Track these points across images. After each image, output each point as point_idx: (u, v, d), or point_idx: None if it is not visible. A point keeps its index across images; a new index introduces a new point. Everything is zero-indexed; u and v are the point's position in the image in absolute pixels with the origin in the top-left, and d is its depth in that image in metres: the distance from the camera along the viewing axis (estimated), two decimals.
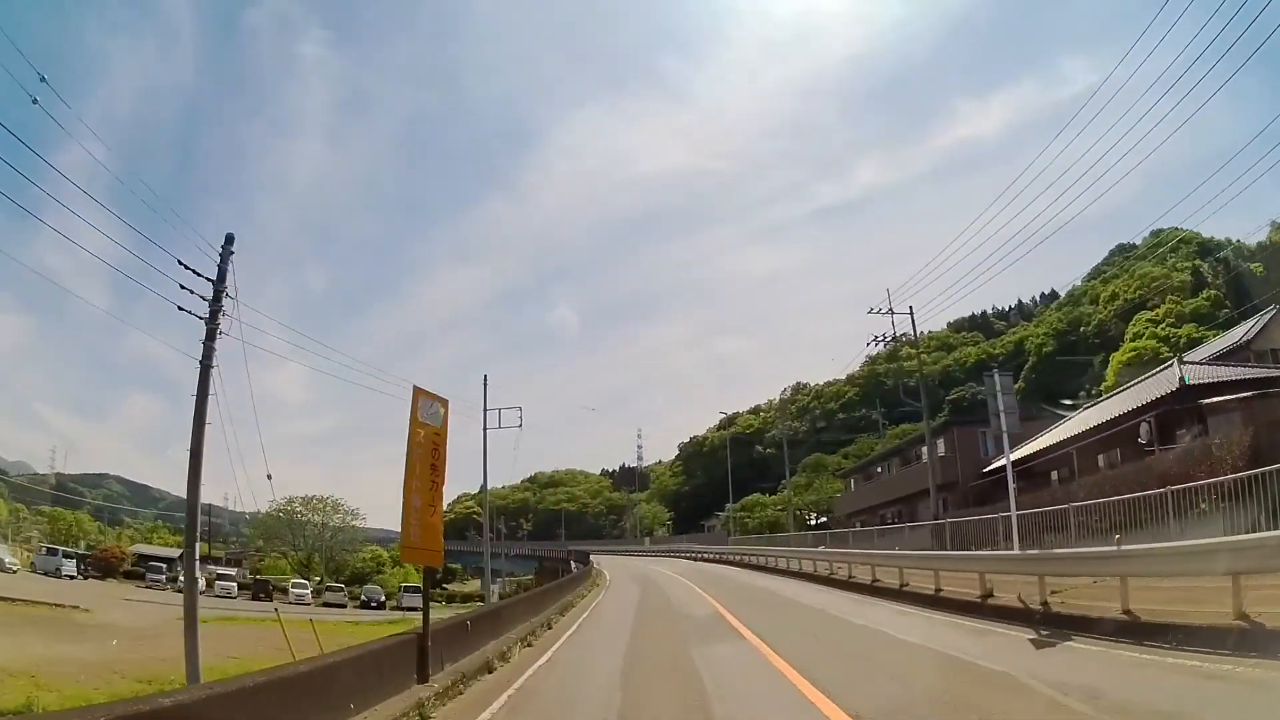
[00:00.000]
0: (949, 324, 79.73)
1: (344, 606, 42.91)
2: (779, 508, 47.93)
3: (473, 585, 58.96)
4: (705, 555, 39.51)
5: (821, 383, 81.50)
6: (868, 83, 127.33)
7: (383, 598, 46.28)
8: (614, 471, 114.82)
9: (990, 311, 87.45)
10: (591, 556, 38.90)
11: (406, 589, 42.30)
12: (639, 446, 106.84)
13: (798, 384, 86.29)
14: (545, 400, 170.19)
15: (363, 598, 46.50)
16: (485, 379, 29.92)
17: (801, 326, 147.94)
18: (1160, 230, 53.18)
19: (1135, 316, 50.52)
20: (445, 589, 56.08)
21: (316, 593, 45.64)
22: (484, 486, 37.96)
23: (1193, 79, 20.90)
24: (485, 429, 27.54)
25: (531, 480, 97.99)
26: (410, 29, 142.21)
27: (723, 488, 61.32)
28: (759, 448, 68.51)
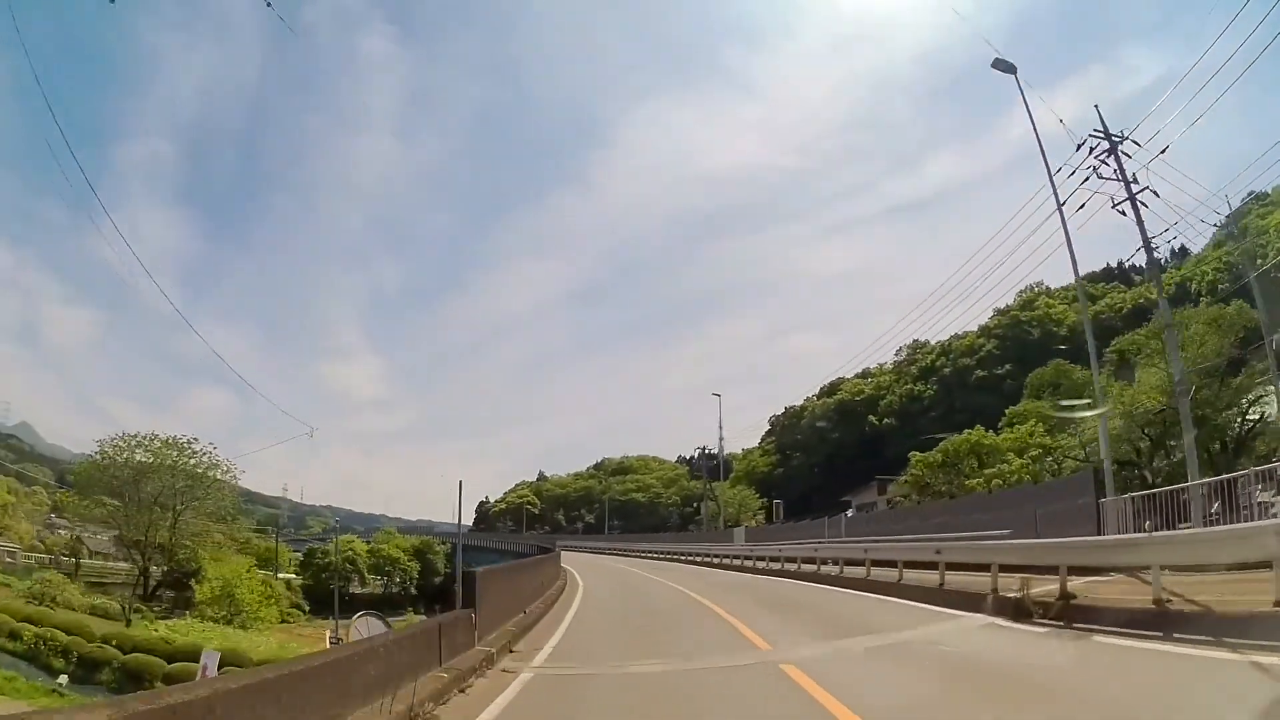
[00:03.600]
0: (1088, 275, 70.51)
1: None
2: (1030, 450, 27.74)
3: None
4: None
5: (947, 337, 67.95)
6: (937, 78, 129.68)
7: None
8: (691, 458, 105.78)
9: (1117, 265, 74.73)
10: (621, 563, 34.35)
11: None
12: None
13: (915, 342, 73.02)
14: (618, 395, 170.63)
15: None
16: (460, 483, 25.38)
17: (877, 323, 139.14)
18: None
19: None
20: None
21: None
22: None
23: None
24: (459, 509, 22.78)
25: (597, 467, 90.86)
26: (474, 23, 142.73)
27: (827, 470, 50.68)
28: (871, 419, 56.54)
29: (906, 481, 32.96)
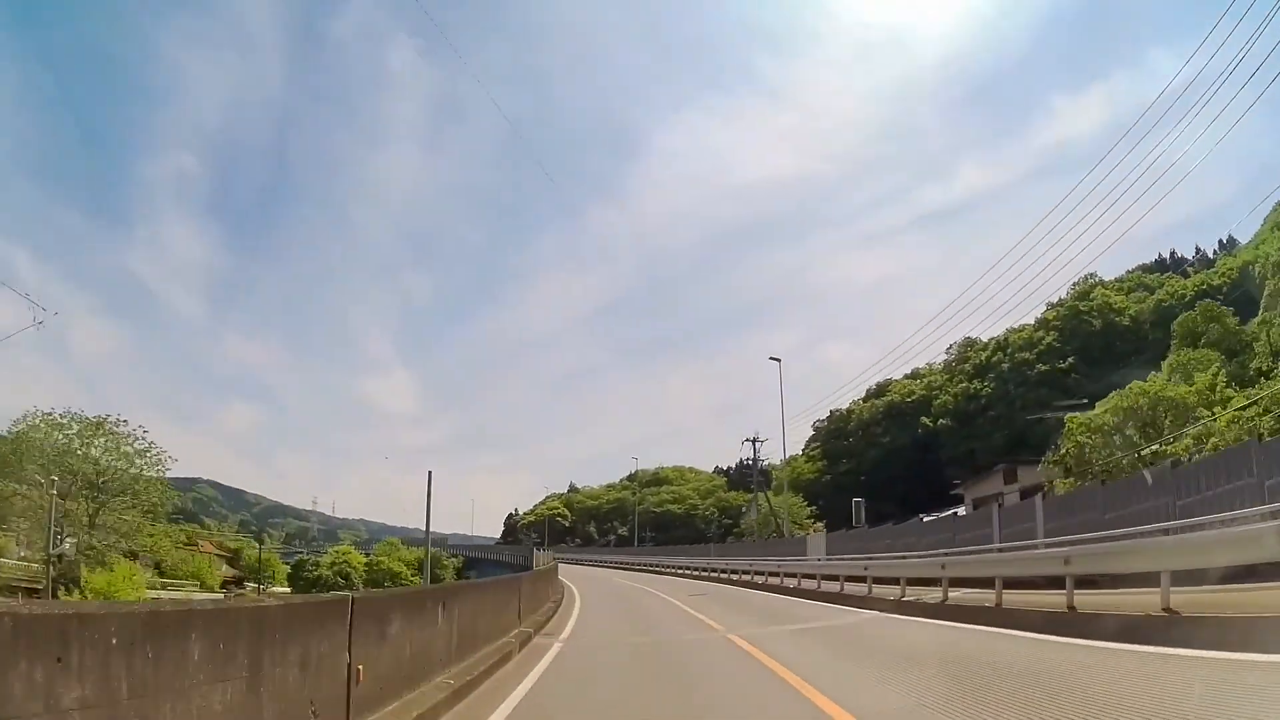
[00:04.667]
0: (1139, 266, 69.39)
1: None
2: None
3: None
4: None
5: (1003, 332, 64.73)
6: (965, 84, 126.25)
7: None
8: (728, 469, 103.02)
9: (1170, 255, 74.77)
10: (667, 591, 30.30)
11: None
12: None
13: (966, 339, 69.70)
14: (652, 409, 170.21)
15: None
16: (430, 474, 23.98)
17: (911, 332, 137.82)
18: None
19: None
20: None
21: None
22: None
23: None
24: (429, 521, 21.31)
25: (631, 478, 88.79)
26: (500, 35, 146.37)
27: (878, 475, 47.94)
28: (925, 420, 53.49)
29: (1057, 461, 25.93)
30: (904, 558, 14.78)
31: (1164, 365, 30.41)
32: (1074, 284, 61.38)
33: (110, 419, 34.82)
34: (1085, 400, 45.54)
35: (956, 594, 11.50)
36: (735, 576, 26.82)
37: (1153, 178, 38.11)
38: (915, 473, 49.26)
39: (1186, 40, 79.83)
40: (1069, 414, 25.76)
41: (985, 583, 10.55)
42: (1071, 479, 23.34)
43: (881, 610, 12.32)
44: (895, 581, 13.48)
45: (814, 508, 46.97)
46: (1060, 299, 60.04)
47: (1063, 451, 24.79)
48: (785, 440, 42.04)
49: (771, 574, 21.89)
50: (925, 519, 27.33)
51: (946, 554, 13.24)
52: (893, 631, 9.89)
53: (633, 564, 50.45)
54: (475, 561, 66.62)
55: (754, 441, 46.86)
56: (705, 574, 31.33)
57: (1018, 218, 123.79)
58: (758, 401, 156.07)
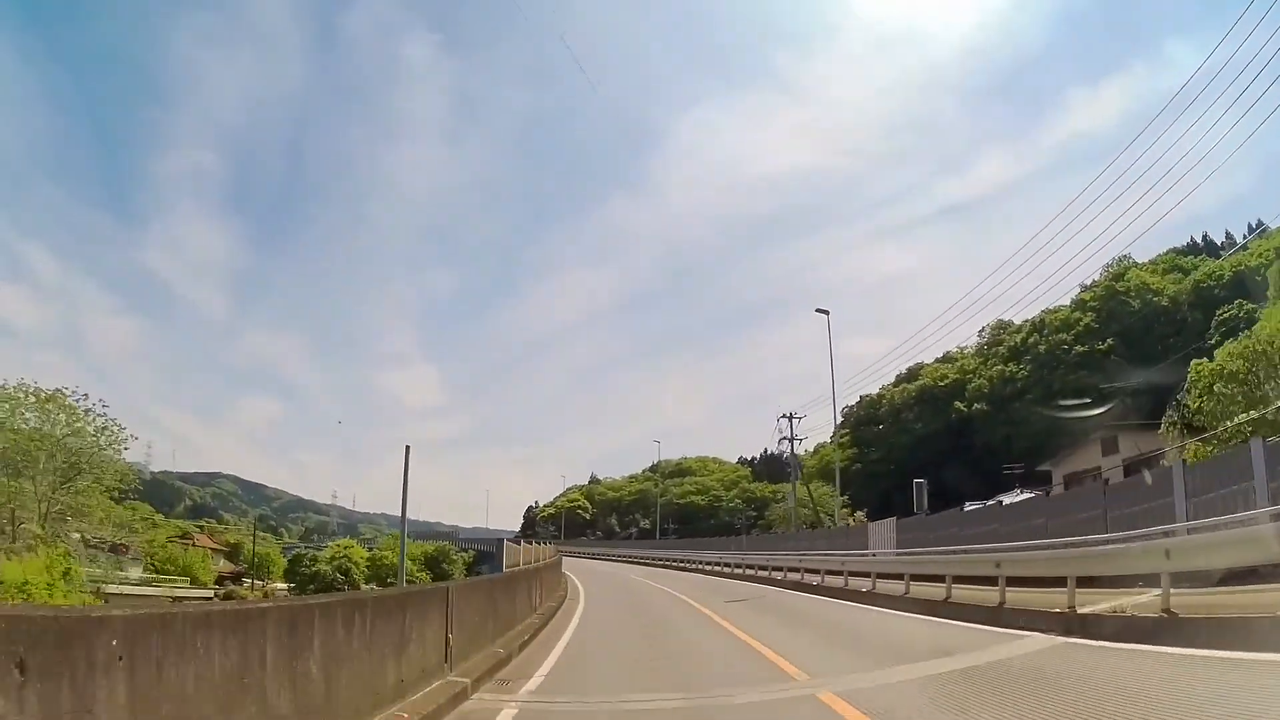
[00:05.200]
0: (1170, 250, 67.17)
1: None
2: None
3: None
4: None
5: (1038, 313, 62.99)
6: (983, 76, 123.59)
7: None
8: (753, 459, 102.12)
9: (1202, 238, 71.03)
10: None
11: None
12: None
13: (999, 321, 67.92)
14: (673, 402, 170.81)
15: None
16: (407, 449, 22.15)
17: (933, 325, 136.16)
18: None
19: None
20: None
21: None
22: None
23: None
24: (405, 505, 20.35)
25: (654, 469, 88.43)
26: (518, 30, 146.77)
27: (909, 463, 46.80)
28: (959, 405, 52.08)
29: (1175, 424, 22.28)
30: (1038, 547, 10.70)
31: (1264, 314, 27.32)
32: (1107, 266, 59.88)
33: (67, 391, 31.57)
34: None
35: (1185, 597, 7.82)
36: (777, 574, 23.22)
37: (1188, 162, 36.32)
38: (950, 459, 47.87)
39: (1203, 30, 77.71)
40: (1075, 414, 24.43)
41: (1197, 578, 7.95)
42: (1200, 442, 18.80)
43: (1050, 630, 8.12)
44: (1026, 582, 10.24)
45: (846, 498, 45.76)
46: (1093, 281, 58.44)
47: (1194, 406, 20.60)
48: (836, 403, 40.79)
49: (831, 571, 18.28)
50: (1008, 500, 23.13)
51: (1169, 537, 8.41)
52: (1157, 682, 5.42)
53: (655, 559, 48.45)
54: (486, 556, 66.48)
55: (789, 418, 44.43)
56: (737, 571, 28.40)
57: (1037, 211, 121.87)
58: (779, 394, 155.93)
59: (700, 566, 35.73)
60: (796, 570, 21.92)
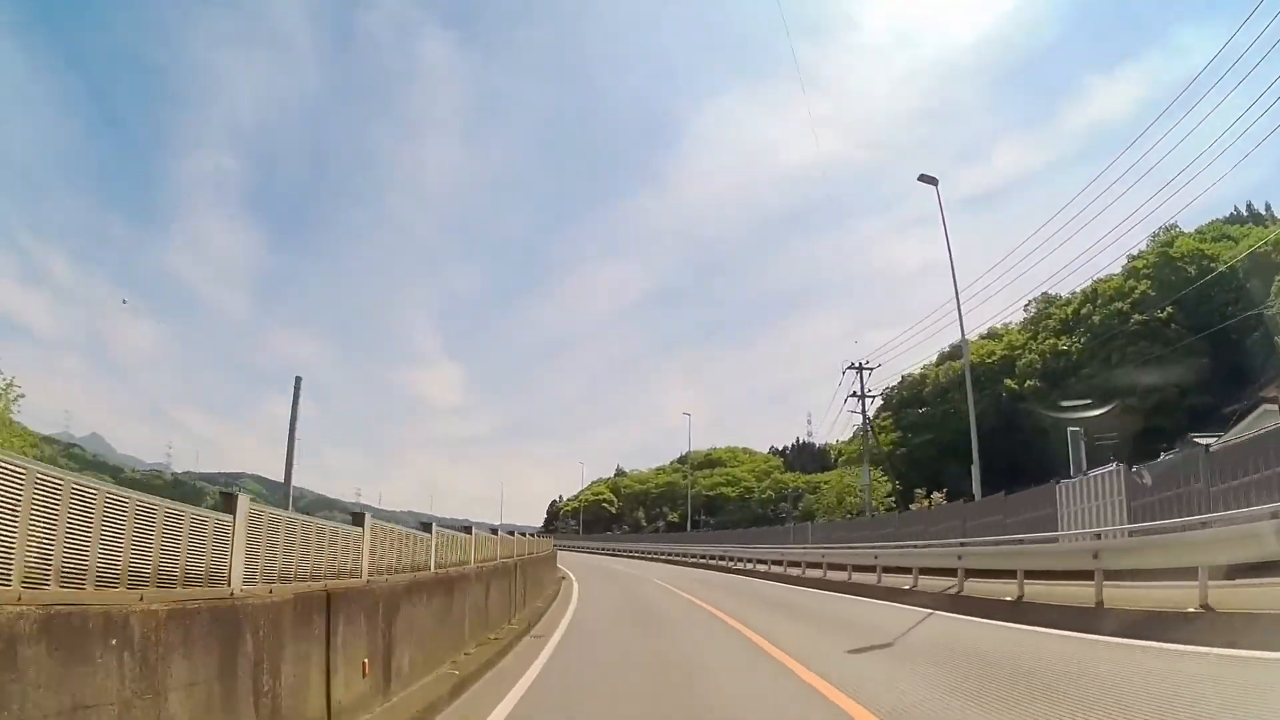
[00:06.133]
0: (1216, 220, 65.54)
1: None
2: None
3: None
4: None
5: (1089, 283, 60.77)
6: (999, 64, 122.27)
7: None
8: (784, 449, 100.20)
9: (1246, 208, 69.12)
10: None
11: None
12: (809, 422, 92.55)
13: (1045, 295, 65.59)
14: (699, 397, 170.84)
15: None
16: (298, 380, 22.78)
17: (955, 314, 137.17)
18: None
19: None
20: None
21: None
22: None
23: None
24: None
25: (682, 460, 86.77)
26: (535, 26, 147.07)
27: (958, 446, 44.64)
28: (1009, 383, 49.95)
29: None
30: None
31: None
32: (1153, 235, 57.86)
33: None
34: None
35: None
36: (872, 578, 17.01)
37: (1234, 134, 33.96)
38: (1001, 438, 45.69)
39: (1213, 17, 75.46)
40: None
41: None
42: None
43: None
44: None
45: (895, 484, 43.61)
46: (1140, 251, 56.35)
47: None
48: (963, 323, 26.99)
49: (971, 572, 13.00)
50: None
51: None
52: None
53: (685, 555, 42.22)
54: None
55: (859, 369, 38.51)
56: (795, 570, 23.14)
57: (1060, 199, 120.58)
58: (805, 387, 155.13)
59: (747, 566, 29.52)
60: (871, 569, 17.45)
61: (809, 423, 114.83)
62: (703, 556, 39.04)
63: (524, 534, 25.94)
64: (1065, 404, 42.26)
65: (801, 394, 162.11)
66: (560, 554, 53.22)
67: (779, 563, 25.83)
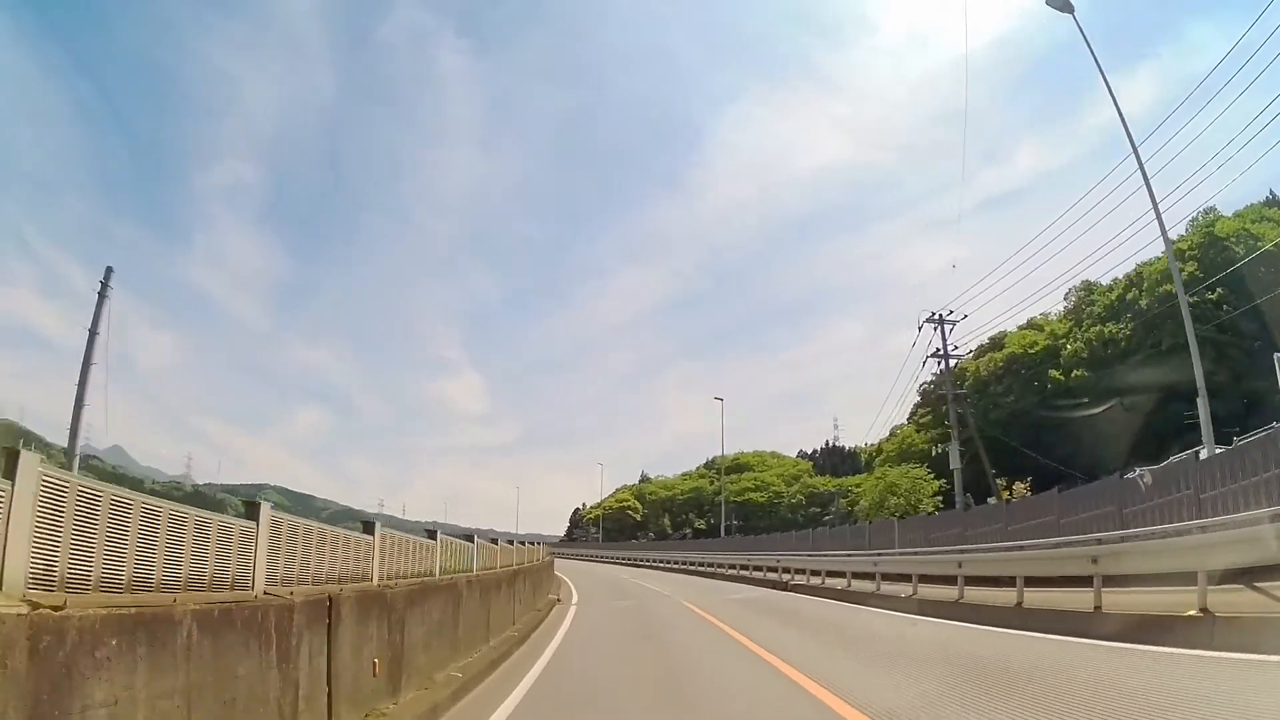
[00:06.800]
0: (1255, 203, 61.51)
1: None
2: None
3: None
4: None
5: (1133, 269, 59.34)
6: (1016, 64, 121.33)
7: None
8: (814, 453, 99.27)
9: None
10: None
11: None
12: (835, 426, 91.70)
13: (1085, 283, 64.07)
14: (725, 399, 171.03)
15: None
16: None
17: (983, 316, 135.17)
18: None
19: None
20: None
21: None
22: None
23: None
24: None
25: (709, 465, 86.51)
26: (548, 30, 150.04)
27: (1001, 441, 43.93)
28: (1054, 374, 48.89)
29: None
30: None
31: None
32: (1192, 220, 56.33)
33: None
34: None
35: None
36: (886, 586, 15.45)
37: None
38: (1047, 433, 44.69)
39: (1224, 12, 73.07)
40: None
41: None
42: None
43: None
44: None
45: (942, 483, 42.62)
46: (1180, 235, 54.85)
47: None
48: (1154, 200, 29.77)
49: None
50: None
51: None
52: None
53: (720, 565, 35.29)
54: None
55: (938, 322, 33.55)
56: (883, 584, 17.34)
57: (1079, 198, 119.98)
58: (829, 390, 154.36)
59: (814, 582, 21.94)
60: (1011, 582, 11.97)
61: (835, 426, 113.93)
62: (744, 569, 31.65)
63: (531, 543, 23.12)
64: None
65: (825, 398, 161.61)
66: (574, 565, 49.08)
67: (855, 575, 19.61)
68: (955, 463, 34.22)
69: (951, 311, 34.41)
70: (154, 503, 4.14)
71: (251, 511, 4.64)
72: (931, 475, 43.21)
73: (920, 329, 34.66)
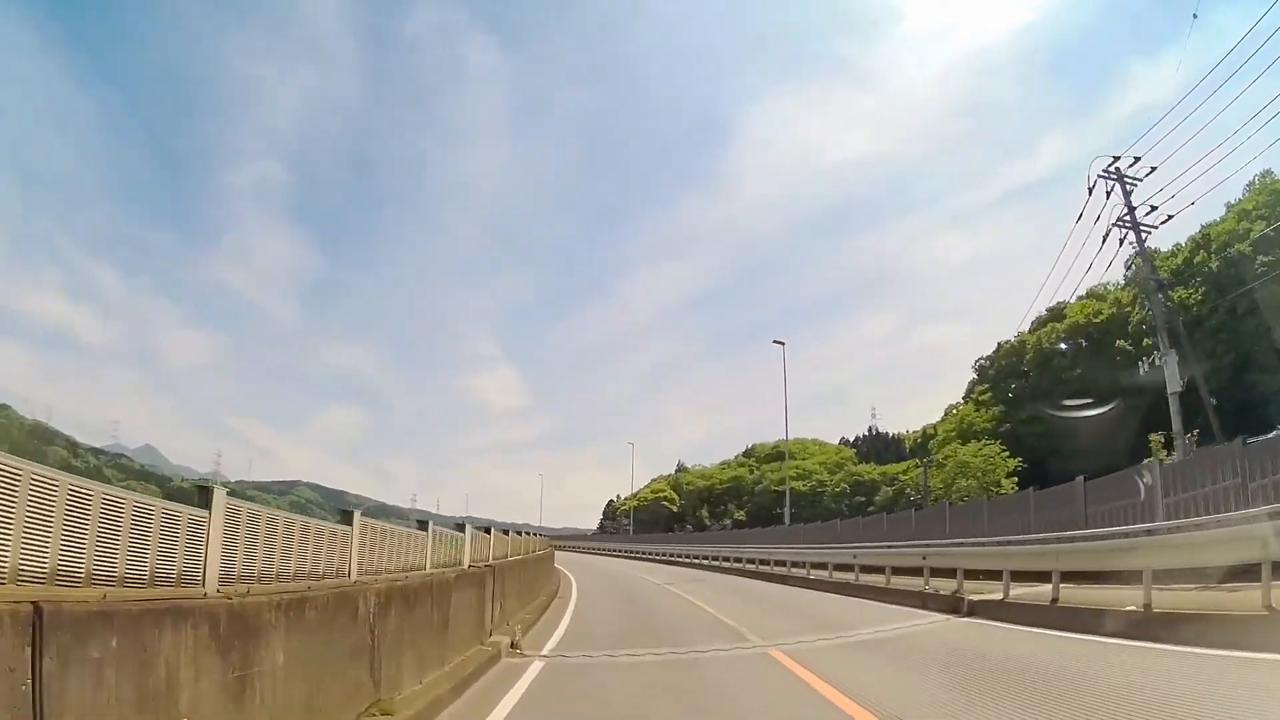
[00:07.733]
0: None
1: None
2: None
3: None
4: None
5: (1196, 231, 56.66)
6: (1042, 53, 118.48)
7: None
8: (856, 440, 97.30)
9: None
10: None
11: None
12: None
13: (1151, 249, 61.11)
14: (755, 396, 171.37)
15: None
16: None
17: (1011, 308, 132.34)
18: None
19: None
20: None
21: None
22: None
23: None
24: None
25: (748, 454, 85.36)
26: (576, 27, 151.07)
27: (1072, 420, 42.02)
28: (1121, 343, 46.68)
29: None
30: None
31: None
32: (1248, 185, 53.07)
33: None
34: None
35: None
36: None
37: None
38: (1119, 410, 42.37)
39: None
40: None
41: None
42: None
43: None
44: None
45: (1020, 462, 40.46)
46: (1240, 198, 51.72)
47: None
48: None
49: None
50: None
51: None
52: None
53: (781, 563, 25.49)
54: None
55: (1117, 178, 24.41)
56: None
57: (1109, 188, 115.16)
58: (863, 387, 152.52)
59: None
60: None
61: (873, 415, 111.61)
62: (817, 566, 22.68)
63: (542, 536, 21.50)
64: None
65: (860, 388, 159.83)
66: (599, 560, 45.49)
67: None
68: (1174, 385, 23.83)
69: (1138, 160, 24.74)
70: (81, 484, 3.54)
71: (204, 497, 4.02)
72: (1005, 453, 41.31)
73: (1091, 190, 25.58)
